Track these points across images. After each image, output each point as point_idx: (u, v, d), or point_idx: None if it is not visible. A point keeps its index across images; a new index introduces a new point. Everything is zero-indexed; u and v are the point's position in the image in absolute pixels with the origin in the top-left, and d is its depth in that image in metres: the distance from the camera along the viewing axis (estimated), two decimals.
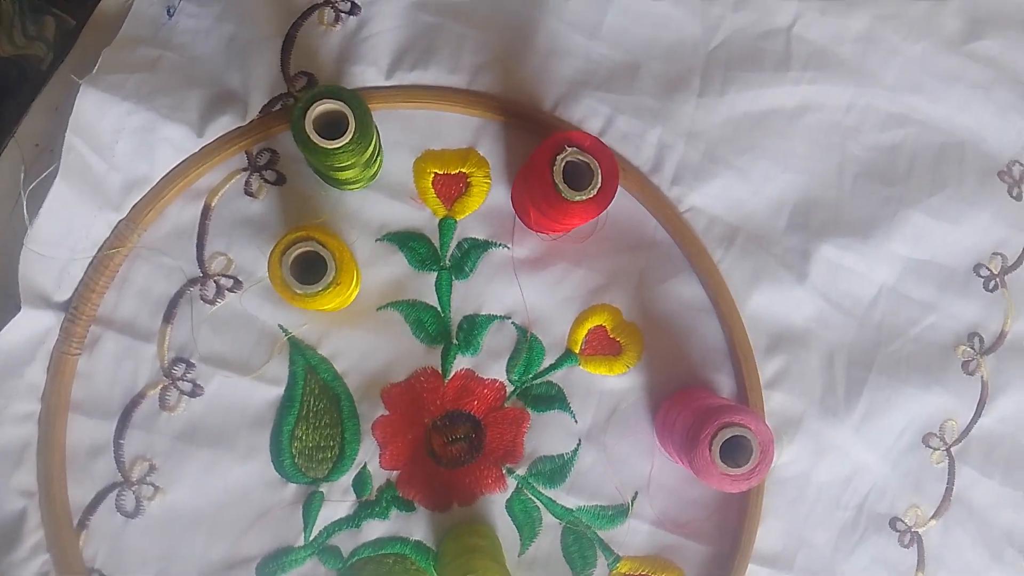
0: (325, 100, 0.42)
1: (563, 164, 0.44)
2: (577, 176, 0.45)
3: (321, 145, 0.43)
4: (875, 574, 0.54)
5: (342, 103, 0.42)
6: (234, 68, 0.50)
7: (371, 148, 0.45)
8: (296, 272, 0.43)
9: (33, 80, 0.50)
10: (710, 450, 0.44)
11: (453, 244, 0.52)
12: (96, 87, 0.46)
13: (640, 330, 0.53)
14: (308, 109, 0.42)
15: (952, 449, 0.56)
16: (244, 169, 0.50)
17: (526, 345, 0.52)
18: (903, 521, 0.55)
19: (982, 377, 0.56)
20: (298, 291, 0.42)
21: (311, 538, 0.49)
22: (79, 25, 0.49)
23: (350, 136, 0.43)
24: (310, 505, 0.49)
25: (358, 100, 0.43)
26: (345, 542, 0.49)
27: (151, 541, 0.48)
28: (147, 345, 0.49)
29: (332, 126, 0.43)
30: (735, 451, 0.45)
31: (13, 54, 0.61)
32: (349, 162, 0.44)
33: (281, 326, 0.50)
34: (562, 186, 0.44)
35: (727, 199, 0.54)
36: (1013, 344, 0.57)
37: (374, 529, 0.50)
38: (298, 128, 0.43)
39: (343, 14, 0.51)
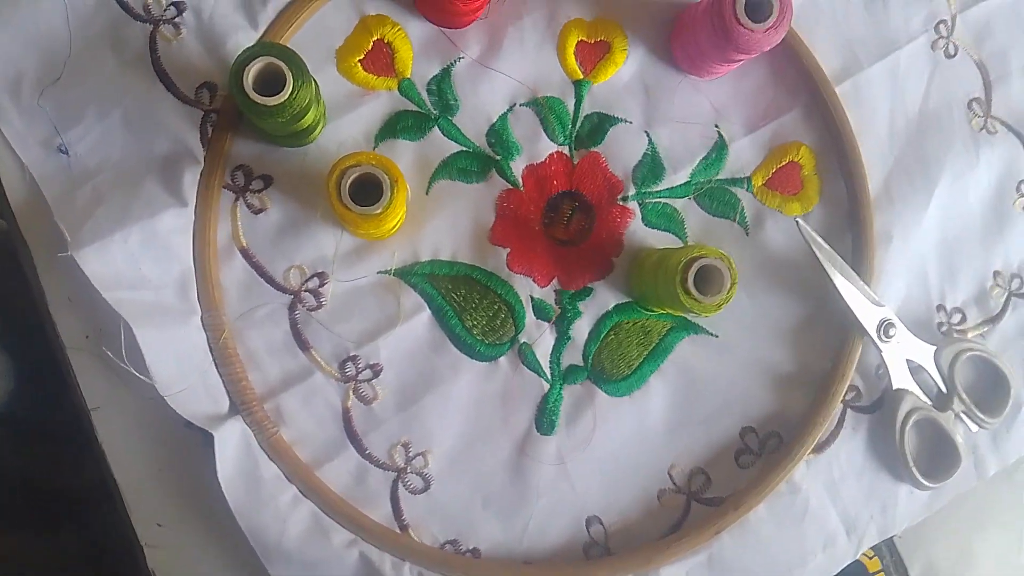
0: (250, 64, 0.42)
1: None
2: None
3: (278, 102, 0.43)
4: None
5: (265, 57, 0.43)
6: (151, 135, 0.49)
7: (313, 79, 0.46)
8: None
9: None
10: (735, 12, 0.47)
11: (424, 93, 0.53)
12: (83, 247, 0.46)
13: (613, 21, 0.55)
14: (242, 85, 0.43)
15: None
16: (236, 199, 0.51)
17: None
18: None
19: None
20: (378, 211, 0.44)
21: (551, 381, 0.53)
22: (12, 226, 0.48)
23: (290, 76, 0.43)
24: (527, 358, 0.53)
25: (270, 44, 0.44)
26: (574, 356, 0.53)
27: (457, 488, 0.52)
28: (313, 377, 0.51)
29: (269, 87, 0.44)
30: (756, 11, 0.48)
31: None
32: (306, 101, 0.45)
33: (380, 271, 0.52)
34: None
35: None
36: None
37: (581, 329, 0.54)
38: (249, 106, 0.43)
39: (176, 19, 0.50)
